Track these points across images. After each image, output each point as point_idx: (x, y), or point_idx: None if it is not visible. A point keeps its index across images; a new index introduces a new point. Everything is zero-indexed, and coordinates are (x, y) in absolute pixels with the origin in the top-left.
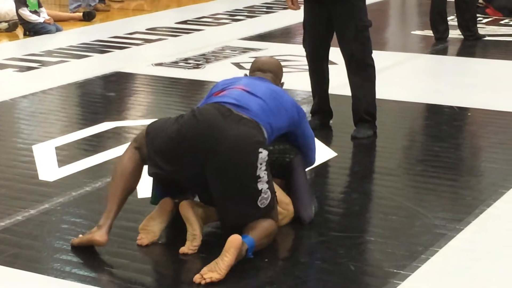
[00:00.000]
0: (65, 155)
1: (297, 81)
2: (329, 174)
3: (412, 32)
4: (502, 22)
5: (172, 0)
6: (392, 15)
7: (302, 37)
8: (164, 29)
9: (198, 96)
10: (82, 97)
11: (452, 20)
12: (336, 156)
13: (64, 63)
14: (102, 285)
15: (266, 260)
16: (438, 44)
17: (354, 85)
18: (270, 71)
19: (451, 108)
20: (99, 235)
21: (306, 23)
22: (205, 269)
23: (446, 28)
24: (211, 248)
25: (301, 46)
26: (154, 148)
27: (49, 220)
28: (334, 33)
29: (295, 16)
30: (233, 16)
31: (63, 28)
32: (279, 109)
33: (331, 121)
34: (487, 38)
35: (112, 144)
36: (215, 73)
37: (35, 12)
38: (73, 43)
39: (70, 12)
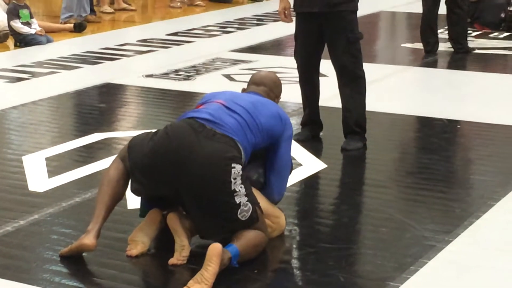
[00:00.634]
0: (55, 165)
1: (288, 93)
2: (319, 185)
3: (402, 45)
4: (491, 35)
5: (163, 12)
6: (382, 27)
7: (292, 49)
8: (155, 40)
9: (188, 107)
10: (73, 108)
11: (442, 33)
12: (326, 168)
13: (54, 74)
14: None
15: (256, 271)
16: (428, 57)
17: (344, 97)
18: (264, 84)
19: (440, 120)
20: (87, 238)
21: (297, 35)
22: (191, 281)
23: (436, 41)
24: (199, 258)
25: (292, 58)
26: (134, 162)
27: (38, 230)
28: (325, 45)
29: (286, 28)
30: (224, 28)
31: (54, 39)
32: (258, 121)
33: (321, 133)
34: (476, 51)
35: (102, 155)
36: (205, 84)
37: (27, 24)
38: (63, 54)
39: (61, 23)
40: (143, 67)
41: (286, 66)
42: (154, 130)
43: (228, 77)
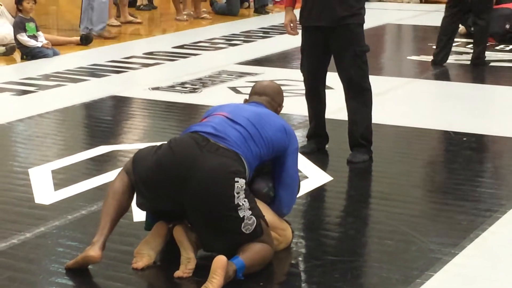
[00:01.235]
0: (61, 178)
1: (294, 106)
2: (325, 198)
3: (408, 57)
4: (497, 47)
5: (169, 25)
6: (388, 40)
7: (298, 61)
8: (161, 53)
9: (195, 120)
10: (79, 121)
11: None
12: (332, 180)
13: (61, 87)
14: None
15: (261, 284)
16: (435, 68)
17: (351, 110)
18: (266, 94)
19: (446, 133)
20: (93, 250)
21: (303, 48)
22: None
23: (448, 53)
24: (205, 271)
25: (298, 70)
26: (138, 176)
27: (44, 243)
28: (331, 58)
29: (292, 41)
30: (230, 40)
31: (60, 52)
32: (263, 133)
33: (327, 146)
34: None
35: (108, 167)
36: (211, 97)
37: (33, 37)
38: (70, 67)
39: (95, 34)
40: (149, 79)
41: (292, 79)
42: (159, 144)
43: (234, 89)
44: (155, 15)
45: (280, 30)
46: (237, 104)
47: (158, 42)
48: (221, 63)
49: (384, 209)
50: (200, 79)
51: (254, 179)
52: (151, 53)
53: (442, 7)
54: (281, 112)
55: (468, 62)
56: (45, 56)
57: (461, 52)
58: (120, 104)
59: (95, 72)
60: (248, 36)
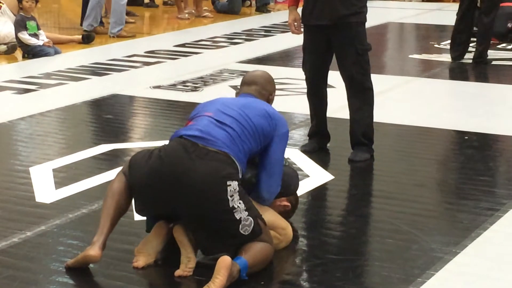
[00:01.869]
0: (62, 177)
1: (296, 104)
2: (326, 197)
3: (410, 56)
4: (499, 46)
5: (171, 23)
6: (390, 39)
7: (300, 60)
8: (162, 52)
9: None
10: (80, 119)
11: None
12: (333, 179)
13: (62, 85)
14: None
15: (262, 283)
16: (437, 67)
17: (352, 108)
18: (255, 83)
19: (448, 131)
20: (93, 250)
21: (305, 46)
22: None
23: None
24: (206, 270)
25: (300, 69)
26: (133, 184)
27: (45, 242)
28: (333, 57)
29: (293, 40)
30: (232, 39)
31: (62, 51)
32: (248, 126)
33: (328, 144)
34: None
35: (109, 166)
36: (213, 96)
37: (35, 35)
38: (71, 66)
39: (112, 36)
40: (150, 78)
41: (293, 78)
42: (153, 148)
43: (236, 88)
44: (157, 14)
45: (281, 28)
46: (223, 100)
47: (159, 41)
48: (222, 61)
49: (385, 208)
50: (202, 77)
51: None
52: (152, 52)
53: (444, 5)
54: (283, 110)
55: (470, 61)
56: (46, 54)
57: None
58: (121, 102)
59: (96, 70)
60: (249, 35)
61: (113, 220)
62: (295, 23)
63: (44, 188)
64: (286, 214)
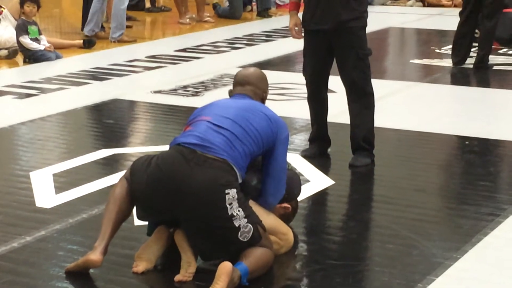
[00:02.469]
0: (63, 182)
1: (296, 109)
2: (327, 202)
3: (411, 61)
4: (500, 51)
5: (172, 28)
6: (391, 44)
7: (301, 65)
8: (163, 56)
9: None
10: (81, 124)
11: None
12: (334, 184)
13: (63, 90)
14: None
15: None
16: (437, 72)
17: (353, 113)
18: (248, 83)
19: (449, 136)
20: (94, 254)
21: (306, 51)
22: None
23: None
24: (206, 275)
25: (300, 74)
26: (134, 191)
27: (45, 247)
28: (334, 61)
29: (294, 45)
30: (233, 44)
31: (63, 56)
32: (249, 130)
33: (329, 149)
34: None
35: (110, 171)
36: (213, 100)
37: (36, 40)
38: (72, 70)
39: (113, 41)
40: (151, 83)
41: (294, 82)
42: (152, 155)
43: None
44: (158, 18)
45: (283, 33)
46: (220, 103)
47: (160, 45)
48: (223, 66)
49: (386, 213)
50: (203, 82)
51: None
52: (153, 56)
53: (445, 10)
54: (283, 115)
55: (472, 66)
56: (47, 59)
57: None
58: (122, 107)
59: (97, 75)
60: (250, 40)
61: (115, 225)
62: (296, 28)
63: (44, 193)
64: (287, 217)
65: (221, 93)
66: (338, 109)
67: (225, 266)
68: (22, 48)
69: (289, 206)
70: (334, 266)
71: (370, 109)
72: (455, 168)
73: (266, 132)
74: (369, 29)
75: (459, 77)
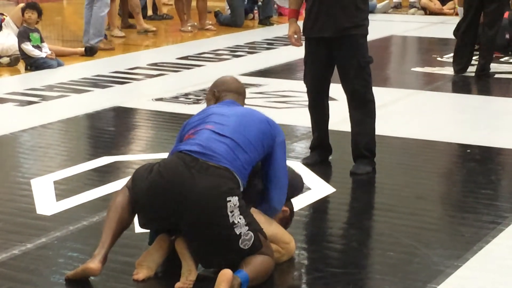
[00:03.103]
0: (64, 189)
1: (297, 117)
2: (328, 209)
3: (412, 69)
4: (502, 59)
5: (174, 36)
6: (393, 52)
7: (302, 73)
8: (165, 64)
9: None
10: (82, 131)
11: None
12: (334, 192)
13: (64, 97)
14: None
15: None
16: (439, 81)
17: (354, 121)
18: (242, 94)
19: (450, 144)
20: (93, 262)
21: (307, 59)
22: None
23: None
24: (206, 283)
25: (302, 82)
26: (136, 199)
27: (46, 254)
28: (335, 69)
29: (296, 52)
30: (234, 52)
31: (65, 63)
32: (250, 136)
33: (330, 157)
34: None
35: (111, 178)
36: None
37: (37, 47)
38: (74, 78)
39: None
40: (153, 90)
41: (296, 90)
42: (154, 163)
43: None
44: (160, 26)
45: (284, 41)
46: (219, 111)
47: (162, 53)
48: (225, 74)
49: (387, 220)
50: (204, 90)
51: (250, 178)
52: (155, 64)
53: (446, 19)
54: (284, 123)
55: (473, 74)
56: (49, 66)
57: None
58: (123, 115)
59: (99, 82)
60: (252, 48)
61: (115, 233)
62: (295, 35)
63: (45, 200)
64: (286, 220)
65: None
66: (339, 117)
67: (226, 274)
68: (23, 55)
69: (287, 209)
70: (335, 274)
71: (371, 117)
72: (457, 176)
73: (266, 134)
74: (371, 37)
75: (461, 85)
